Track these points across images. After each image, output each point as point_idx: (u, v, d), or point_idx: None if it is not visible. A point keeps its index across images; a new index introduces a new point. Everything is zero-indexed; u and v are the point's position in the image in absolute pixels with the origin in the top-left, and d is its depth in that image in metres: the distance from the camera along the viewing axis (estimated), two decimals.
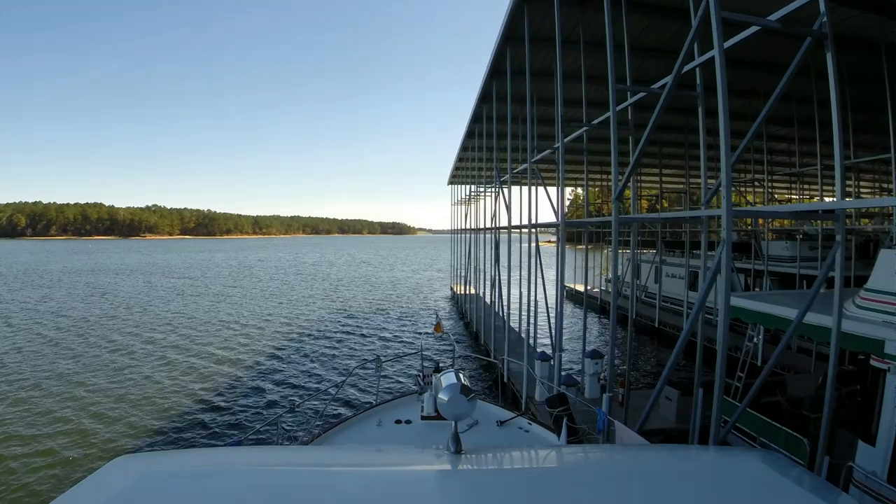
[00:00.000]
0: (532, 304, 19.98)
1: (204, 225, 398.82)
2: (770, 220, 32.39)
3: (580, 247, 45.99)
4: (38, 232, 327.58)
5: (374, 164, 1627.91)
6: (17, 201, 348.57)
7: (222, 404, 20.49)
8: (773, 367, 11.01)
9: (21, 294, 55.12)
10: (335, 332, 36.08)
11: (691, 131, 25.74)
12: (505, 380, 20.16)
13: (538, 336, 21.63)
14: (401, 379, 23.02)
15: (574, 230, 42.55)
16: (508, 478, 3.06)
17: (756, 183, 34.57)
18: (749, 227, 34.69)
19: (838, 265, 9.11)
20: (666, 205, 50.90)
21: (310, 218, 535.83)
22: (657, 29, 16.58)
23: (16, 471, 14.41)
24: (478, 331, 31.67)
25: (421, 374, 9.24)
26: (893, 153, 17.35)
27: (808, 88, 18.40)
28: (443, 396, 3.47)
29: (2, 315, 41.05)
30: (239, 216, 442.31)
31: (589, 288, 38.47)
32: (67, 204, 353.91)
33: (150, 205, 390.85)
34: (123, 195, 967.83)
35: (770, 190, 34.45)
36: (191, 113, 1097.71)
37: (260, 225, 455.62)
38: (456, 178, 52.78)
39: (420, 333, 34.66)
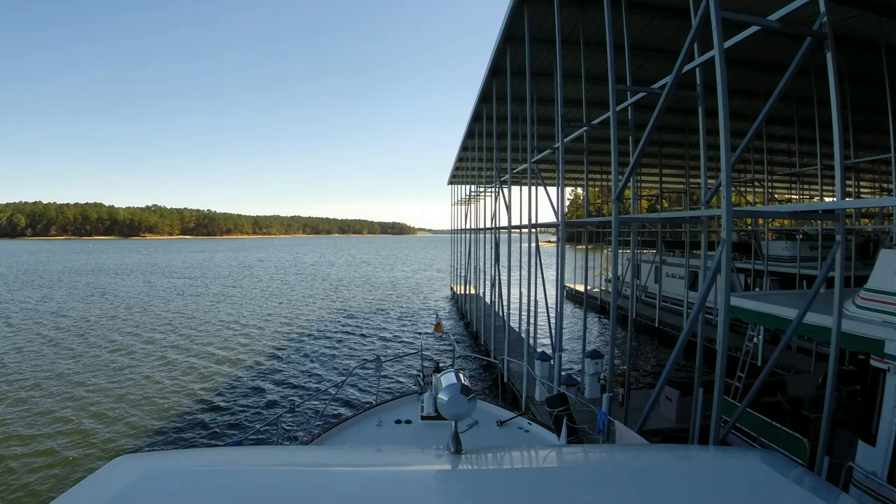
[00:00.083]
0: (532, 304, 19.99)
1: (204, 225, 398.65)
2: (770, 220, 32.35)
3: (580, 247, 46.00)
4: (38, 232, 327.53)
5: (375, 163, 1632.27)
6: (17, 201, 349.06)
7: (222, 404, 20.46)
8: (773, 367, 11.01)
9: (21, 294, 55.08)
10: (335, 332, 36.05)
11: (691, 131, 25.80)
12: (505, 380, 20.17)
13: (538, 336, 21.65)
14: (401, 379, 23.00)
15: (574, 230, 42.65)
16: (508, 478, 3.05)
17: (756, 183, 34.55)
18: (749, 227, 34.69)
19: (838, 265, 9.10)
20: (666, 205, 50.86)
21: (310, 218, 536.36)
22: (657, 29, 16.59)
23: (16, 471, 14.39)
24: (478, 331, 31.65)
25: (421, 374, 9.24)
26: (893, 153, 17.32)
27: (808, 88, 18.40)
28: (443, 396, 3.47)
29: (2, 315, 41.02)
30: (239, 216, 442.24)
31: (589, 288, 38.43)
32: (67, 204, 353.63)
33: (150, 205, 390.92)
34: (123, 195, 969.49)
35: (770, 190, 34.44)
36: (191, 113, 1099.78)
37: (260, 225, 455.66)
38: (456, 178, 52.77)
39: (420, 333, 34.63)
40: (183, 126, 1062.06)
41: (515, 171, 25.37)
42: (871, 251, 26.51)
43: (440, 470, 3.06)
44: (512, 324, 26.55)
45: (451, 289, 55.60)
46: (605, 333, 33.71)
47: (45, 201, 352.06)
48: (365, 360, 26.33)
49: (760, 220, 31.52)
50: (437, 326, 16.66)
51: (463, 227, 46.90)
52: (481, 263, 37.69)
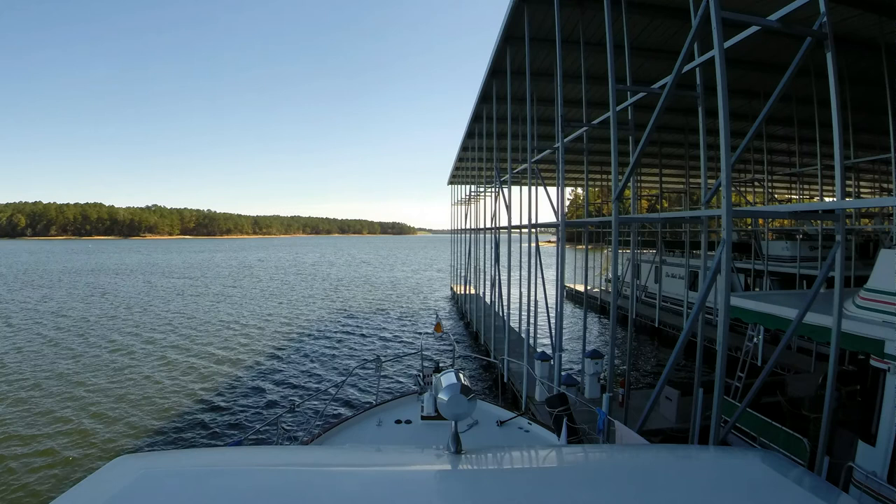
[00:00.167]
0: (532, 304, 20.00)
1: (204, 225, 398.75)
2: (770, 220, 32.35)
3: (580, 247, 46.00)
4: (38, 232, 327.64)
5: (375, 164, 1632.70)
6: (17, 201, 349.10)
7: (222, 404, 20.47)
8: (773, 367, 11.02)
9: (21, 294, 55.10)
10: (335, 332, 36.06)
11: (691, 131, 25.81)
12: (505, 380, 20.17)
13: (538, 336, 21.65)
14: (401, 379, 23.01)
15: (574, 230, 42.64)
16: (508, 478, 3.05)
17: (756, 183, 34.56)
18: (749, 227, 34.69)
19: (838, 265, 9.10)
20: (666, 205, 50.88)
21: (310, 218, 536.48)
22: (657, 29, 16.60)
23: (16, 471, 14.40)
24: (478, 331, 31.67)
25: (421, 374, 9.24)
26: (893, 153, 17.33)
27: (808, 88, 18.40)
28: (443, 396, 3.47)
29: (2, 315, 41.04)
30: (239, 216, 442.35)
31: (589, 288, 38.44)
32: (67, 204, 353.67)
33: (150, 205, 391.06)
34: (123, 195, 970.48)
35: (770, 190, 34.45)
36: (191, 113, 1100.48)
37: (260, 225, 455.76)
38: (456, 178, 52.78)
39: (420, 333, 34.62)
40: (183, 126, 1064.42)
41: (515, 171, 25.37)
42: (871, 251, 26.51)
43: (440, 470, 3.06)
44: (512, 324, 26.55)
45: (452, 289, 55.62)
46: (606, 333, 33.70)
47: (45, 201, 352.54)
48: (365, 360, 26.33)
49: (760, 220, 31.53)
50: (437, 326, 16.67)
51: (463, 227, 46.94)
52: (481, 263, 37.71)
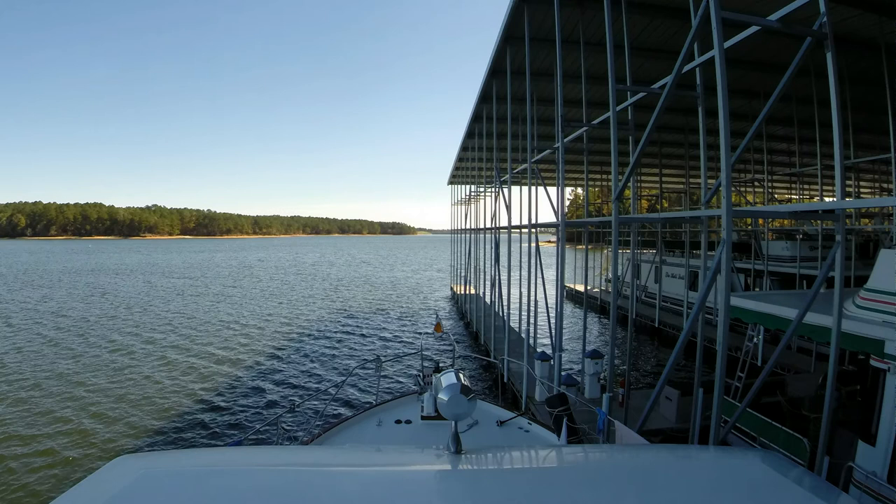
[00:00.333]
0: (532, 304, 20.01)
1: (204, 225, 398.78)
2: (770, 220, 32.37)
3: (580, 247, 46.00)
4: (38, 232, 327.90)
5: (375, 163, 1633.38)
6: (17, 201, 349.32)
7: (222, 404, 20.47)
8: (773, 368, 11.02)
9: (21, 294, 55.13)
10: (335, 332, 36.09)
11: (691, 131, 25.82)
12: (505, 380, 20.18)
13: (538, 336, 21.65)
14: (401, 379, 23.01)
15: (574, 230, 42.64)
16: (508, 478, 3.05)
17: (756, 183, 34.57)
18: (749, 227, 34.70)
19: (838, 265, 9.11)
20: (666, 205, 50.90)
21: (310, 218, 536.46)
22: (657, 29, 16.60)
23: (16, 471, 14.41)
24: (478, 331, 31.69)
25: (421, 374, 9.25)
26: (893, 153, 17.34)
27: (808, 88, 18.41)
28: (443, 396, 3.47)
29: (2, 315, 41.08)
30: (239, 216, 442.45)
31: (589, 288, 38.46)
32: (67, 204, 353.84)
33: (149, 205, 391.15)
34: (123, 195, 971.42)
35: (770, 190, 34.46)
36: (191, 113, 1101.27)
37: (260, 225, 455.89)
38: (456, 178, 52.82)
39: (420, 333, 34.63)
40: (183, 126, 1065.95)
41: (515, 171, 25.38)
42: (872, 251, 26.52)
43: (440, 470, 3.06)
44: (512, 324, 26.56)
45: (452, 289, 55.65)
46: (606, 333, 33.71)
47: (45, 201, 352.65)
48: (365, 360, 26.34)
49: (760, 221, 31.54)
50: (437, 326, 16.69)
51: (463, 227, 46.96)
52: (481, 263, 37.72)
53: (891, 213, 26.43)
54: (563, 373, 17.27)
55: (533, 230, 19.50)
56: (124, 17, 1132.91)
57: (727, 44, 9.26)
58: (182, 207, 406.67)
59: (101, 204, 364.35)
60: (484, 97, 25.13)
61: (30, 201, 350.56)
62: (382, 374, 12.71)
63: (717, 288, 13.67)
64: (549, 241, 73.50)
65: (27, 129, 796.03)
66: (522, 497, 2.57)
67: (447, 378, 3.64)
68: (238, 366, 26.38)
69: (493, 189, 28.56)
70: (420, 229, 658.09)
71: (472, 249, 42.05)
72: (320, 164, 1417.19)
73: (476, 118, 29.47)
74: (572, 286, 47.62)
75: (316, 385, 23.22)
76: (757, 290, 27.92)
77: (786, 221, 43.40)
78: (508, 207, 22.67)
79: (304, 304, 50.40)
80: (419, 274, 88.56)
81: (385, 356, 25.03)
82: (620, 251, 19.96)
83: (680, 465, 3.27)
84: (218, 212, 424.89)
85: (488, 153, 29.35)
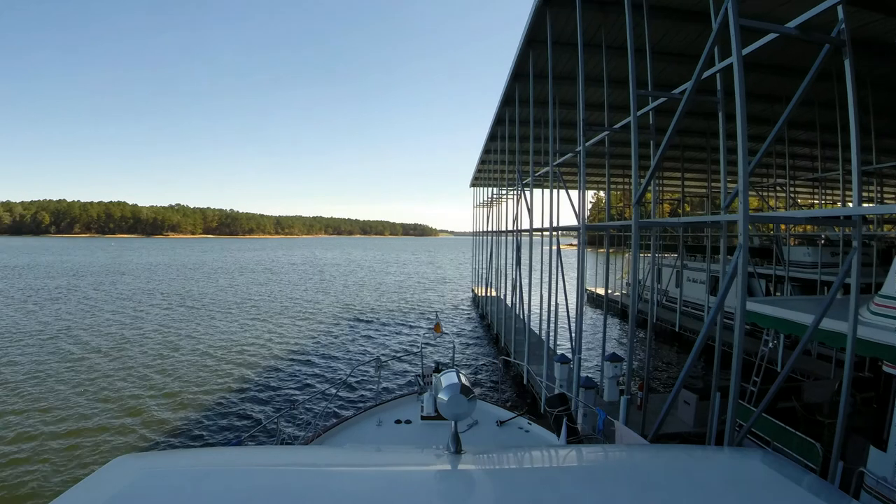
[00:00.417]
0: (553, 306, 20.06)
1: (226, 224, 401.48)
2: (792, 225, 32.11)
3: (601, 250, 45.86)
4: (61, 230, 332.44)
5: (397, 164, 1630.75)
6: (41, 199, 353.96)
7: (223, 404, 20.49)
8: (791, 373, 11.03)
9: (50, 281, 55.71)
10: (342, 332, 36.24)
11: (713, 135, 25.75)
12: (524, 382, 20.24)
13: (558, 339, 21.66)
14: (400, 379, 23.07)
15: (595, 233, 42.51)
16: (508, 478, 3.11)
17: (778, 188, 34.34)
18: (771, 233, 34.49)
19: (854, 271, 9.12)
20: (688, 209, 50.62)
21: (332, 218, 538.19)
22: (679, 33, 16.59)
23: (16, 471, 14.47)
24: (498, 333, 31.79)
25: (421, 374, 9.36)
26: None
27: (829, 93, 18.22)
28: (443, 396, 3.53)
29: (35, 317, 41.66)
30: (261, 216, 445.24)
31: (610, 292, 38.38)
32: (91, 202, 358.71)
33: (173, 204, 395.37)
34: (147, 194, 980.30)
35: (792, 195, 34.20)
36: (216, 113, 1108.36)
37: (282, 225, 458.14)
38: (478, 181, 52.90)
39: (450, 333, 34.50)
40: (206, 126, 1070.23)
41: (537, 174, 25.42)
42: (893, 257, 26.30)
43: (440, 470, 3.08)
44: (532, 326, 26.58)
45: (473, 290, 55.73)
46: (625, 337, 33.60)
47: (69, 199, 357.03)
48: (367, 360, 26.32)
49: (783, 226, 31.30)
50: (437, 327, 16.73)
51: (485, 230, 47.01)
52: (503, 266, 37.75)
53: None
54: (582, 375, 17.32)
55: (554, 233, 19.57)
56: (148, 18, 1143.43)
57: (746, 50, 9.33)
58: (205, 207, 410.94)
59: (124, 202, 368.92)
60: (507, 100, 25.22)
61: (54, 199, 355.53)
62: (382, 373, 12.79)
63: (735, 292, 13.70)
64: (571, 245, 73.38)
65: (53, 128, 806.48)
66: (522, 497, 2.63)
67: (447, 378, 3.70)
68: (238, 366, 26.30)
69: (515, 192, 28.61)
70: (442, 231, 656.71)
71: (494, 252, 42.03)
72: (343, 164, 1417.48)
73: (498, 121, 29.55)
74: (593, 289, 47.53)
75: (316, 385, 23.19)
76: (777, 295, 27.79)
77: (808, 227, 43.07)
78: (530, 210, 22.71)
79: (311, 305, 50.50)
80: (443, 272, 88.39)
81: (385, 356, 25.33)
82: (642, 255, 19.96)
83: (680, 466, 3.27)
84: (240, 211, 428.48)
85: (510, 156, 29.37)
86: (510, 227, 30.99)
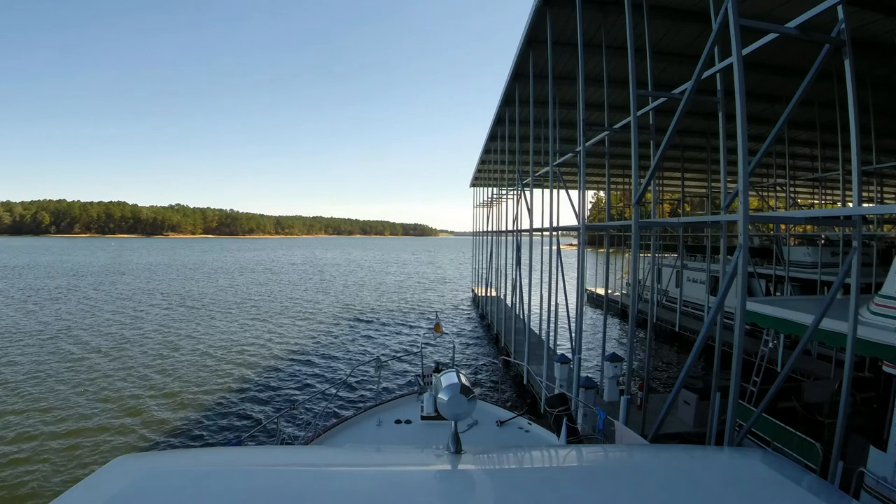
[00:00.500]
0: (553, 307, 20.06)
1: (226, 224, 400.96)
2: (792, 225, 32.10)
3: (601, 250, 45.85)
4: (61, 229, 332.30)
5: (397, 164, 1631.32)
6: (41, 199, 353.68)
7: (223, 404, 20.47)
8: (792, 373, 11.04)
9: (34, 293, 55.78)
10: (342, 333, 36.18)
11: (713, 135, 25.74)
12: (524, 382, 20.23)
13: (558, 339, 21.65)
14: (400, 379, 23.06)
15: (595, 233, 42.49)
16: (508, 478, 3.11)
17: (778, 188, 34.32)
18: (771, 233, 34.49)
19: (854, 271, 9.12)
20: (688, 209, 50.61)
21: (332, 218, 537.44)
22: (679, 33, 16.58)
23: (16, 471, 14.45)
24: (498, 333, 31.77)
25: (421, 374, 9.36)
26: None
27: (829, 92, 18.21)
28: (443, 396, 3.53)
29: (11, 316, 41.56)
30: (261, 216, 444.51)
31: (610, 292, 38.35)
32: (91, 202, 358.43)
33: (173, 204, 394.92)
34: (147, 194, 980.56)
35: (793, 195, 34.19)
36: (215, 113, 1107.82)
37: (282, 225, 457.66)
38: (478, 181, 52.89)
39: (432, 332, 34.50)
40: (205, 126, 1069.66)
41: (537, 174, 25.42)
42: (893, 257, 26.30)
43: (440, 470, 3.08)
44: (532, 326, 26.57)
45: (473, 290, 55.70)
46: (625, 337, 33.59)
47: (69, 199, 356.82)
48: (367, 360, 26.30)
49: (783, 226, 31.29)
50: (437, 327, 16.72)
51: (485, 230, 47.01)
52: (503, 266, 37.74)
53: None
54: (582, 375, 17.31)
55: (554, 233, 19.57)
56: (149, 19, 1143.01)
57: (746, 50, 9.32)
58: (205, 207, 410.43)
59: (124, 202, 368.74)
60: (506, 100, 25.21)
61: (54, 199, 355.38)
62: (382, 373, 12.78)
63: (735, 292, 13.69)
64: (571, 244, 73.38)
65: (53, 128, 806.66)
66: (522, 497, 2.62)
67: (447, 378, 3.70)
68: (238, 366, 26.31)
69: (515, 192, 28.60)
70: (442, 231, 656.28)
71: (494, 251, 42.02)
72: (342, 164, 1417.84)
73: (498, 121, 29.53)
74: (593, 289, 47.52)
75: (316, 385, 23.19)
76: (777, 295, 27.78)
77: (808, 227, 43.07)
78: (530, 210, 22.70)
79: (311, 305, 50.51)
80: (444, 272, 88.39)
81: (385, 356, 25.33)
82: (642, 255, 19.96)
83: (679, 466, 3.27)
84: (240, 211, 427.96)
85: (510, 156, 29.35)
86: (510, 227, 31.02)
